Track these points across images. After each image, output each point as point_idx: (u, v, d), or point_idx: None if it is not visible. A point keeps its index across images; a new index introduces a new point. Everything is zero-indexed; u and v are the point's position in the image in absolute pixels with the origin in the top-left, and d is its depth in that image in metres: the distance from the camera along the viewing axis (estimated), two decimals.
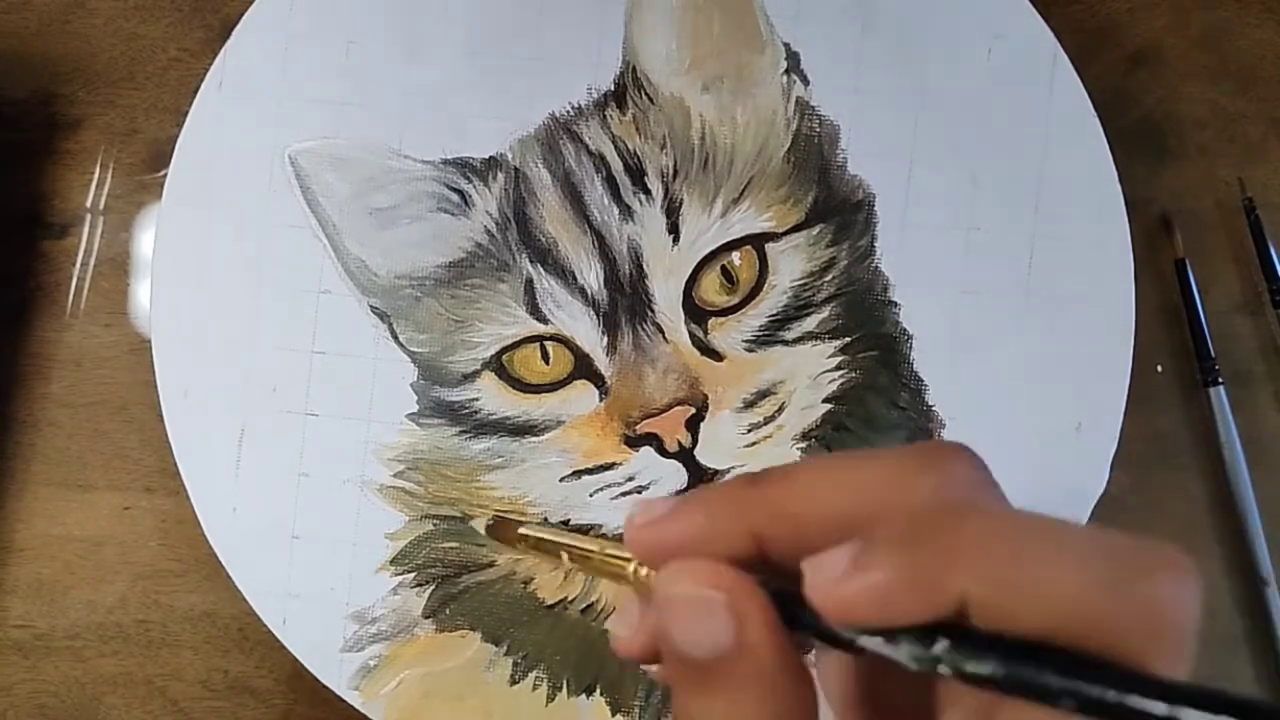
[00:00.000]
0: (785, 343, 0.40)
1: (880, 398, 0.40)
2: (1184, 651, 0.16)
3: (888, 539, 0.18)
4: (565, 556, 0.23)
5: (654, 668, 0.21)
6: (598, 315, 0.39)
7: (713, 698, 0.19)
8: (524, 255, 0.40)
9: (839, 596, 0.18)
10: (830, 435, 0.40)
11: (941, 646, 0.17)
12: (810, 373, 0.40)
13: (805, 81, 0.41)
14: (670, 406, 0.39)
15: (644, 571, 0.21)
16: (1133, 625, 0.16)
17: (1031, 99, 0.41)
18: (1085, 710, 0.15)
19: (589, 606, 0.40)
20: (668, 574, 0.20)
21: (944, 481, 0.19)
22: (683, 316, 0.39)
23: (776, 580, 0.19)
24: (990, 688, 0.16)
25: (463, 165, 0.40)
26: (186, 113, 0.41)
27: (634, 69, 0.41)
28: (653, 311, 0.39)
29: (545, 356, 0.40)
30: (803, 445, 0.40)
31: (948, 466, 0.19)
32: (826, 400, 0.40)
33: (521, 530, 0.24)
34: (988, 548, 0.17)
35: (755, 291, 0.40)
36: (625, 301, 0.39)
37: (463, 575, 0.40)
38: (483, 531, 0.25)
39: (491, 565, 0.40)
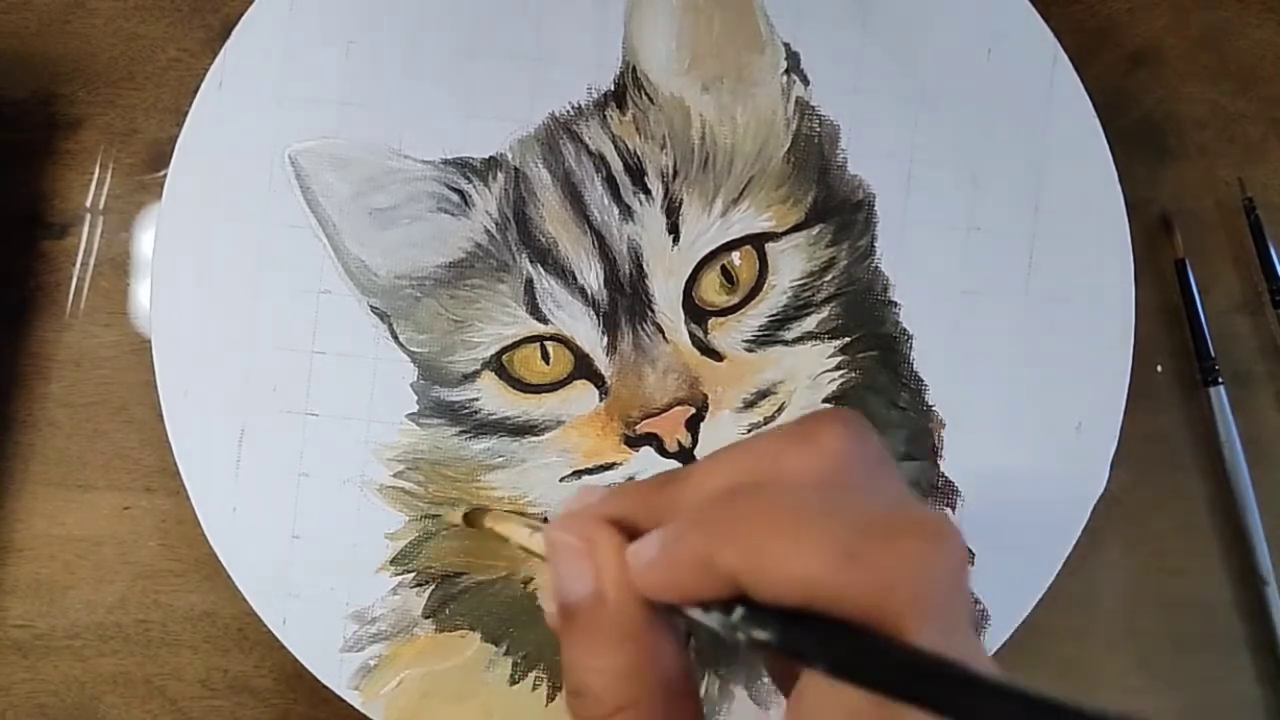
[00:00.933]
0: (785, 343, 0.40)
1: (880, 398, 0.40)
2: (932, 613, 0.17)
3: (679, 524, 0.20)
4: (514, 543, 0.25)
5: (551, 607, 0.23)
6: (598, 315, 0.39)
7: (576, 642, 0.21)
8: (524, 255, 0.40)
9: (643, 579, 0.20)
10: None
11: (737, 615, 0.18)
12: (810, 373, 0.40)
13: (805, 81, 0.41)
14: (670, 406, 0.39)
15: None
16: (870, 593, 0.17)
17: (1031, 99, 0.41)
18: (834, 673, 0.17)
19: None
20: (555, 522, 0.22)
21: (812, 453, 0.20)
22: (683, 316, 0.39)
23: None
24: (772, 651, 0.18)
25: (463, 165, 0.40)
26: (186, 113, 0.41)
27: (634, 69, 0.41)
28: (653, 311, 0.39)
29: (545, 356, 0.40)
30: None
31: (819, 438, 0.20)
32: (826, 400, 0.40)
33: (486, 520, 0.27)
34: (744, 529, 0.18)
35: (755, 291, 0.40)
36: (625, 301, 0.39)
37: (463, 575, 0.40)
38: (459, 522, 0.28)
39: (492, 565, 0.40)
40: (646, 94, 0.40)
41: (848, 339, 0.40)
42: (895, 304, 0.40)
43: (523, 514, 0.27)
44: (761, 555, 0.18)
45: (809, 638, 0.17)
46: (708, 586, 0.19)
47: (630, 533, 0.21)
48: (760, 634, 0.18)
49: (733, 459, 0.21)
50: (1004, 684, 0.15)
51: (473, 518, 0.28)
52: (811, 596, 0.17)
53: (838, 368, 0.40)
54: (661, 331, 0.39)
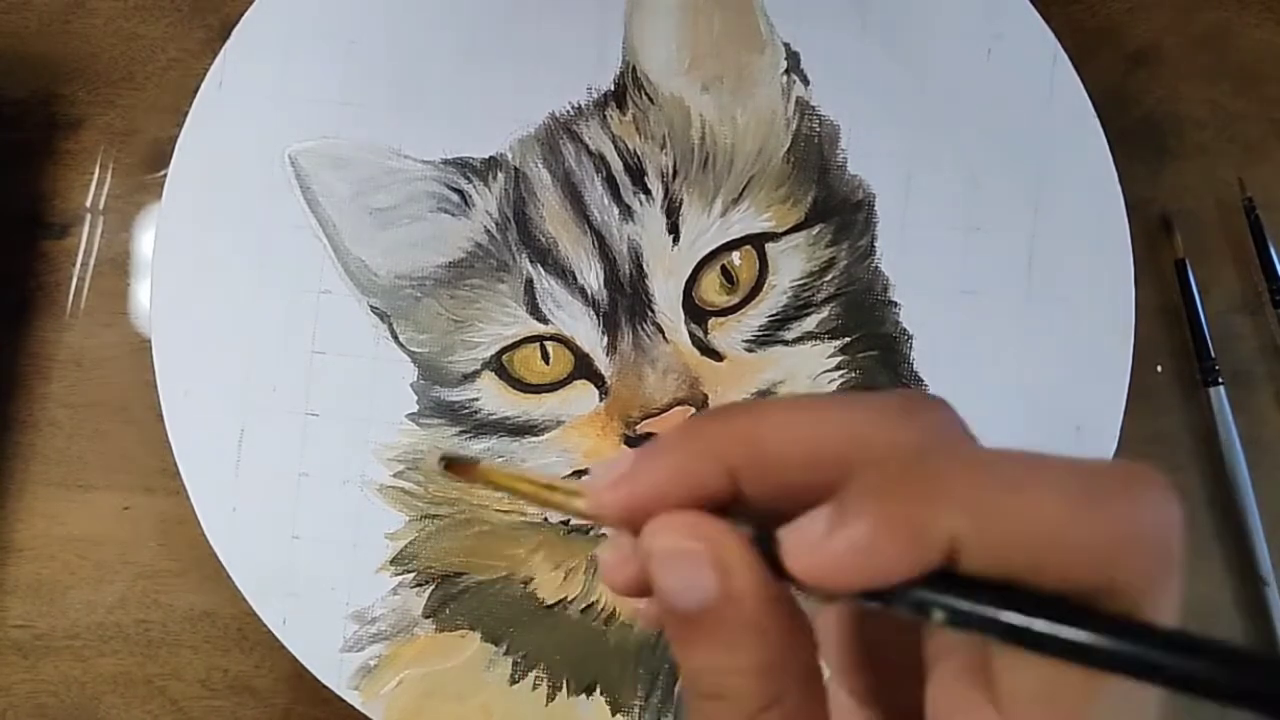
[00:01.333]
0: (785, 343, 0.40)
1: None
2: (1172, 571, 0.16)
3: (867, 489, 0.17)
4: (523, 490, 0.22)
5: (641, 603, 0.21)
6: (598, 315, 0.39)
7: (705, 649, 0.19)
8: (524, 255, 0.40)
9: (820, 561, 0.17)
10: None
11: (934, 594, 0.16)
12: (810, 373, 0.40)
13: (805, 81, 0.41)
14: (670, 406, 0.39)
15: (580, 505, 0.20)
16: (1113, 543, 0.16)
17: (1031, 99, 0.41)
18: (1070, 656, 0.16)
19: (589, 606, 0.40)
20: (650, 529, 0.19)
21: (924, 428, 0.18)
22: (683, 316, 0.39)
23: (760, 527, 0.19)
24: (981, 633, 0.16)
25: (463, 165, 0.40)
26: (186, 113, 0.41)
27: (634, 69, 0.41)
28: (653, 311, 0.39)
29: (545, 356, 0.40)
30: None
31: (927, 415, 0.19)
32: None
33: (481, 467, 0.24)
34: (972, 483, 0.17)
35: (755, 291, 0.40)
36: (625, 301, 0.39)
37: (463, 575, 0.40)
38: (438, 468, 0.25)
39: (492, 565, 0.40)
40: (646, 94, 0.40)
41: (848, 339, 0.40)
42: (895, 304, 0.40)
43: (526, 475, 0.24)
44: (999, 508, 0.16)
45: (1041, 620, 0.15)
46: (908, 559, 0.16)
47: (703, 499, 0.19)
48: (971, 612, 0.16)
49: (824, 412, 0.19)
50: (1256, 653, 0.15)
51: (459, 467, 0.25)
52: (1049, 553, 0.16)
53: (838, 368, 0.40)
54: (661, 331, 0.39)
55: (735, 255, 0.40)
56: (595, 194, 0.40)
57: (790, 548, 0.18)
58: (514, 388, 0.40)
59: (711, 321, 0.39)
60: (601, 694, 0.39)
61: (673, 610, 0.19)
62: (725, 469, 0.19)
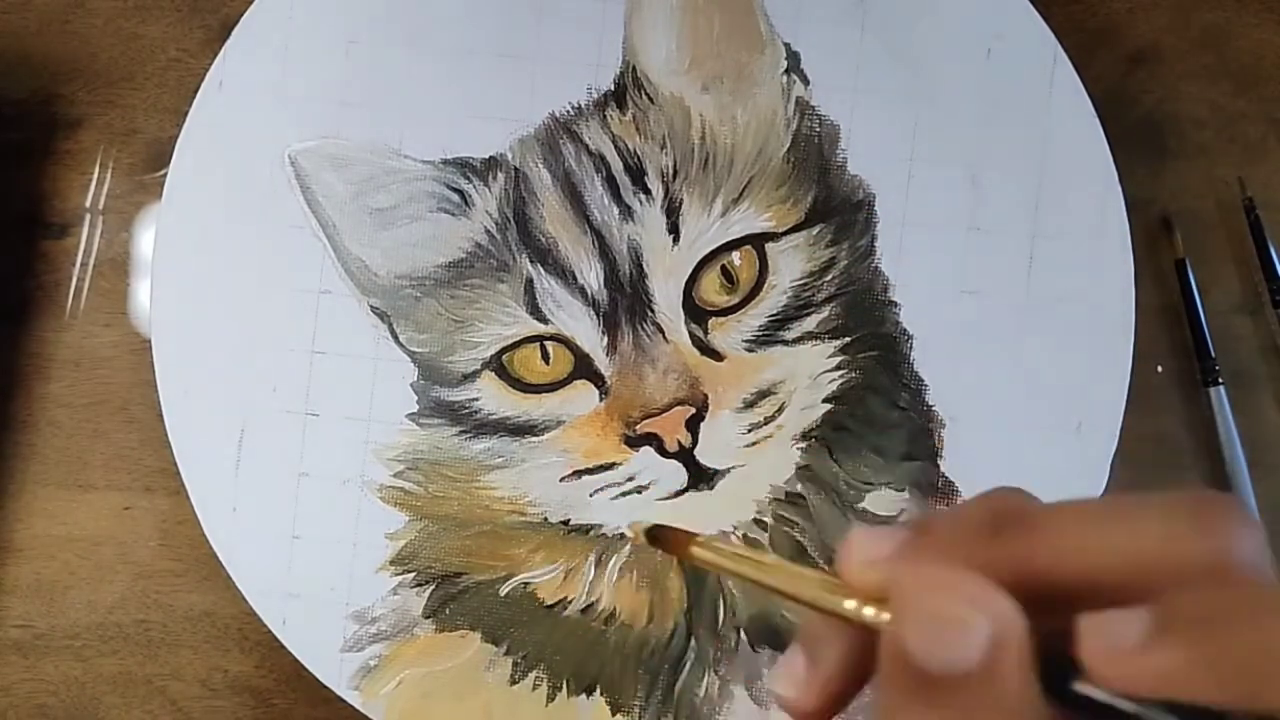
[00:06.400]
0: (785, 343, 0.40)
1: (880, 398, 0.40)
2: None
3: (1183, 618, 0.17)
4: (761, 583, 0.20)
5: (790, 690, 0.20)
6: (598, 315, 0.39)
7: (937, 711, 0.18)
8: (524, 255, 0.40)
9: (1126, 671, 0.17)
10: (830, 435, 0.40)
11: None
12: (810, 373, 0.40)
13: (805, 81, 0.41)
14: (670, 406, 0.39)
15: (871, 613, 0.19)
16: None
17: (1031, 99, 0.41)
18: None
19: (589, 606, 0.40)
20: (922, 582, 0.18)
21: (1218, 548, 0.18)
22: (683, 316, 0.39)
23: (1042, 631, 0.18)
24: None
25: (463, 165, 0.40)
26: (186, 113, 0.41)
27: (634, 69, 0.41)
28: (653, 311, 0.39)
29: (545, 356, 0.40)
30: (803, 445, 0.40)
31: (1219, 529, 0.18)
32: (826, 400, 0.40)
33: (693, 549, 0.21)
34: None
35: (755, 291, 0.40)
36: (625, 301, 0.39)
37: (463, 575, 0.40)
38: (636, 537, 0.22)
39: (492, 565, 0.40)
40: (646, 94, 0.40)
41: (848, 339, 0.40)
42: (895, 304, 0.40)
43: (758, 553, 0.21)
44: None
45: None
46: (1219, 695, 0.16)
47: None
48: None
49: (1103, 528, 0.19)
50: None
51: (668, 543, 0.21)
52: None
53: (838, 368, 0.40)
54: (661, 331, 0.39)
55: (735, 255, 0.40)
56: (595, 194, 0.40)
57: (1094, 645, 0.17)
58: (514, 388, 0.40)
59: (711, 321, 0.40)
60: (601, 694, 0.39)
61: (914, 665, 0.18)
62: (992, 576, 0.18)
